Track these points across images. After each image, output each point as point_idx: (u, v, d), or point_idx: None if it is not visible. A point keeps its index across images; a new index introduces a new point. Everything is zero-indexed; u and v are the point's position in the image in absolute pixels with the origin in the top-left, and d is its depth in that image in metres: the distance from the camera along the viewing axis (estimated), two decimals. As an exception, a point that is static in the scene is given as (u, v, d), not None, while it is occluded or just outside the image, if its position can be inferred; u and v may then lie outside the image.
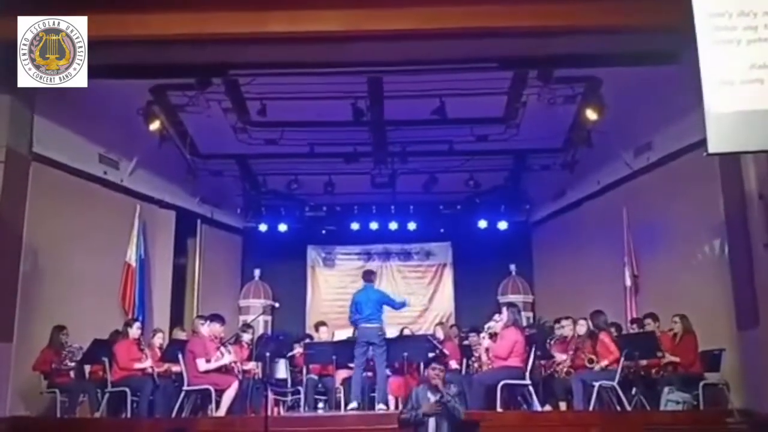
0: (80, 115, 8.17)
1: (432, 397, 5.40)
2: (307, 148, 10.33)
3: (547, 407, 7.33)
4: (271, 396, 7.70)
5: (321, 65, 7.61)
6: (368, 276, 8.10)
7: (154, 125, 9.04)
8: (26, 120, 7.55)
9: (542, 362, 7.87)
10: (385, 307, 7.85)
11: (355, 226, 12.19)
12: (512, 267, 12.35)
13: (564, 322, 7.95)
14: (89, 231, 8.70)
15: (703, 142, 5.16)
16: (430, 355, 7.70)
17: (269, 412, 6.73)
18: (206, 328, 7.37)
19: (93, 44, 5.70)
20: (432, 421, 5.30)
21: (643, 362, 7.22)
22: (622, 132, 9.14)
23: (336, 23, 6.43)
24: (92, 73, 5.75)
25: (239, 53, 7.21)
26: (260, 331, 11.00)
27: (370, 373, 7.67)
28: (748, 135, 5.06)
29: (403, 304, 8.30)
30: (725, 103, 5.02)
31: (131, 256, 9.40)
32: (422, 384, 5.70)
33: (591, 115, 8.81)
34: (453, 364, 8.11)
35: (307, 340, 8.97)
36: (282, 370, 8.51)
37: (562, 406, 7.33)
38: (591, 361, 7.00)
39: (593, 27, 6.42)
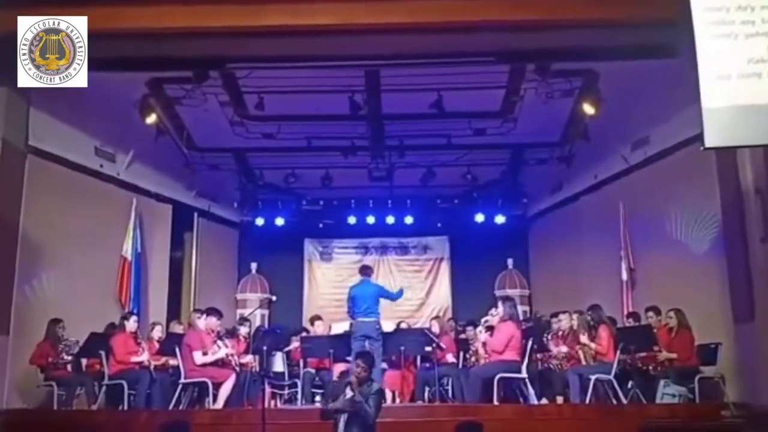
0: (76, 108, 8.12)
1: (349, 394, 4.99)
2: (304, 141, 10.30)
3: (544, 401, 7.35)
4: (268, 389, 7.71)
5: (318, 59, 7.60)
6: (365, 270, 8.14)
7: (151, 118, 9.01)
8: (22, 113, 7.54)
9: (539, 356, 7.91)
10: (383, 301, 7.87)
11: (352, 219, 12.19)
12: (509, 261, 12.40)
13: (561, 316, 7.98)
14: (85, 224, 8.68)
15: (700, 137, 5.14)
16: (427, 348, 7.72)
17: (266, 405, 6.74)
18: (203, 322, 7.37)
19: (90, 37, 5.65)
20: (342, 419, 4.91)
21: (642, 354, 7.24)
22: (620, 126, 9.14)
23: (333, 16, 6.40)
24: (89, 66, 5.71)
25: (236, 46, 7.17)
26: (257, 324, 11.01)
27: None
28: (744, 130, 5.04)
29: (400, 294, 8.30)
30: (722, 98, 5.00)
31: (127, 250, 9.39)
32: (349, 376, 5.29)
33: (588, 109, 8.79)
34: (450, 358, 8.13)
35: (304, 334, 8.97)
36: (279, 364, 8.50)
37: (559, 399, 7.36)
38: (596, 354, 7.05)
39: (590, 20, 6.40)
